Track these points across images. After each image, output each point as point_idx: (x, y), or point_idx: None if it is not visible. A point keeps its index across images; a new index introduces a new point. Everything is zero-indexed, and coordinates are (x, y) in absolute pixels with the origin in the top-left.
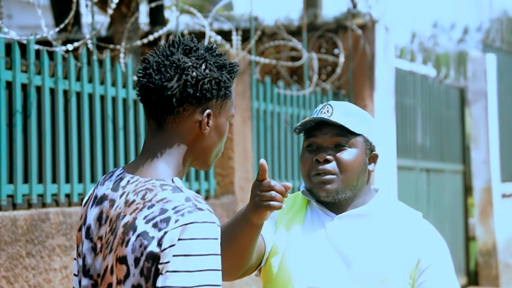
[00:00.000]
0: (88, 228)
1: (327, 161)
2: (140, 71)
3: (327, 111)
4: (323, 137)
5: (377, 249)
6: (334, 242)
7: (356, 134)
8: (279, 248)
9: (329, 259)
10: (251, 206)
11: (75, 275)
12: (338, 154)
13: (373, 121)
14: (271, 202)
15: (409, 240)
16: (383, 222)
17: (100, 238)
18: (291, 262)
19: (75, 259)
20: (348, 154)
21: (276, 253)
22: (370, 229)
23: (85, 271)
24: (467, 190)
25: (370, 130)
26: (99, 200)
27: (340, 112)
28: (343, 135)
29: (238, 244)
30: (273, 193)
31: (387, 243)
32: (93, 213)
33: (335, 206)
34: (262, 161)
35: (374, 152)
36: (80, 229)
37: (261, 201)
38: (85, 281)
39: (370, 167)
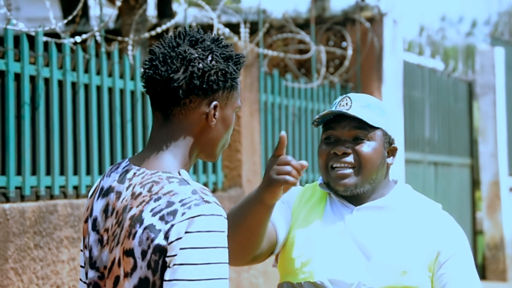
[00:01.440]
0: (95, 220)
1: (346, 154)
2: (146, 62)
3: (346, 103)
4: (341, 130)
5: (397, 242)
6: (353, 234)
7: (375, 128)
8: (299, 239)
9: (348, 251)
10: (264, 182)
11: (81, 266)
12: (357, 147)
13: (392, 114)
14: (287, 177)
15: (429, 232)
16: (403, 214)
17: (107, 230)
18: (312, 254)
19: (81, 250)
20: (366, 147)
21: (296, 244)
22: (389, 221)
23: (91, 263)
24: (475, 183)
25: (389, 123)
26: (105, 192)
27: (359, 105)
28: (361, 128)
29: (248, 224)
30: (289, 167)
31: (406, 235)
32: (99, 205)
33: (354, 198)
34: (283, 133)
35: (393, 145)
36: (86, 221)
37: (277, 175)
38: (91, 273)
39: (389, 160)
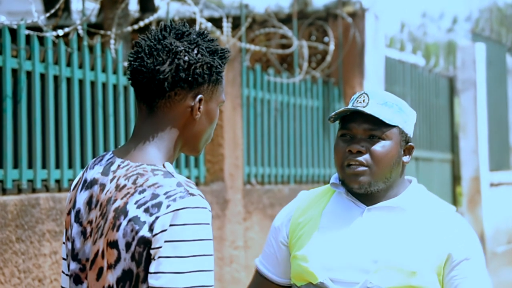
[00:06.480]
0: (78, 212)
1: (360, 153)
2: (132, 55)
3: (363, 100)
4: (357, 127)
5: (406, 243)
6: (363, 234)
7: (391, 126)
8: (304, 239)
9: (356, 251)
10: None
11: (63, 259)
12: (372, 146)
13: (410, 111)
14: None
15: (440, 234)
16: (414, 215)
17: (90, 222)
18: (316, 254)
19: (64, 243)
20: (381, 146)
21: (301, 245)
22: (400, 221)
23: (73, 255)
24: (456, 179)
25: (407, 121)
26: (88, 184)
27: (376, 102)
28: (377, 126)
29: None
30: None
31: (416, 237)
32: (82, 197)
33: (367, 198)
34: None
35: (409, 144)
36: (69, 213)
37: None
38: (73, 265)
39: (405, 158)
